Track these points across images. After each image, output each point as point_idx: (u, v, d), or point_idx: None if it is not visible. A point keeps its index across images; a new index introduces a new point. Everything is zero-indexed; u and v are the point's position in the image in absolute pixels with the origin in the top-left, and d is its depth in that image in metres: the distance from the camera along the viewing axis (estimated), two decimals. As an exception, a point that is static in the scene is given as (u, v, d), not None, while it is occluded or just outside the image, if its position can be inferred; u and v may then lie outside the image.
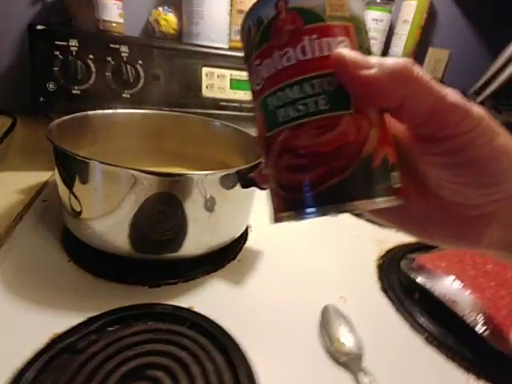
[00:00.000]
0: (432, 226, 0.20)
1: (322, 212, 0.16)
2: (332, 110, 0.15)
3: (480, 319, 0.34)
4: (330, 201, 0.16)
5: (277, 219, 0.18)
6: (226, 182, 0.38)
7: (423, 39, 0.74)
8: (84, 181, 0.36)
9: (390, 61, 0.15)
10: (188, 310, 0.34)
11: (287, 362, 0.32)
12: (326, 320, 0.35)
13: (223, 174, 0.37)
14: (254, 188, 0.41)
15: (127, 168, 0.33)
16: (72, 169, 0.37)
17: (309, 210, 0.16)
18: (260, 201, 0.43)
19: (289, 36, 0.15)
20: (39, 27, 0.50)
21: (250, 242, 0.49)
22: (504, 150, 0.16)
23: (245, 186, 0.39)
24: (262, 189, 0.38)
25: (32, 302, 0.33)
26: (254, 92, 0.18)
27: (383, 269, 0.47)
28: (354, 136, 0.15)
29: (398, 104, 0.15)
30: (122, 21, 0.56)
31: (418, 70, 0.15)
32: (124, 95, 0.56)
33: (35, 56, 0.51)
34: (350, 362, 0.31)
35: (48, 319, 0.32)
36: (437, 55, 0.84)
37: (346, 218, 0.61)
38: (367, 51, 0.16)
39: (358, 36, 0.16)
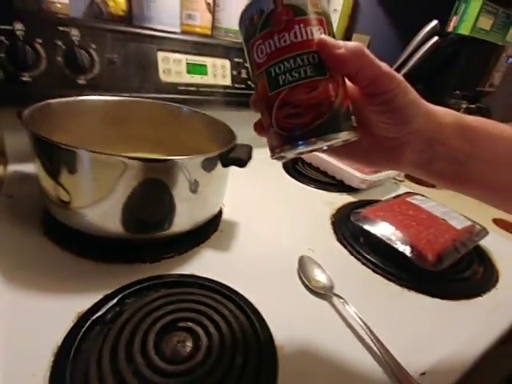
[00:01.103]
0: (372, 155, 0.30)
1: (309, 144, 0.24)
2: (315, 76, 0.23)
3: (408, 248, 0.47)
4: (315, 135, 0.24)
5: (276, 154, 0.26)
6: (208, 164, 0.43)
7: (349, 26, 0.85)
8: (71, 170, 0.38)
9: (350, 43, 0.23)
10: (192, 275, 0.40)
11: (279, 299, 0.40)
12: (303, 265, 0.45)
13: (206, 157, 0.42)
14: (229, 168, 0.46)
15: (116, 155, 0.36)
16: (57, 159, 0.38)
17: (300, 142, 0.24)
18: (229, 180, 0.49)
19: (284, 24, 0.22)
20: (-25, 8, 0.46)
21: (226, 215, 0.55)
22: (413, 101, 0.25)
23: (225, 165, 0.44)
24: (240, 166, 0.44)
25: (44, 292, 0.35)
26: (256, 64, 0.24)
27: (336, 224, 0.58)
28: (329, 92, 0.23)
29: (354, 72, 0.23)
30: (67, 1, 0.53)
31: (367, 50, 0.24)
32: (80, 81, 0.55)
33: (-26, 40, 0.47)
34: (325, 292, 0.41)
35: (67, 303, 0.34)
36: (359, 40, 0.97)
37: (301, 188, 0.71)
38: (333, 36, 0.24)
39: (328, 26, 0.23)
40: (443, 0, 0.92)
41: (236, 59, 0.70)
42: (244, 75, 0.72)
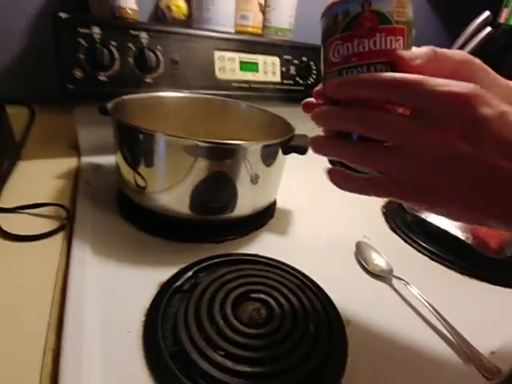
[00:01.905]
0: None
1: None
2: None
3: (469, 236, 0.46)
4: None
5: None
6: (269, 151, 0.46)
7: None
8: (149, 154, 0.42)
9: (423, 50, 0.23)
10: (256, 255, 0.43)
11: (340, 279, 0.41)
12: (361, 250, 0.46)
13: (268, 143, 0.44)
14: (287, 156, 0.48)
15: (190, 138, 0.39)
16: (137, 143, 0.42)
17: None
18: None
19: (367, 31, 0.22)
20: (63, 15, 0.52)
21: (280, 204, 0.57)
22: (494, 80, 0.25)
23: (286, 152, 0.47)
24: (301, 153, 0.46)
25: (127, 264, 0.39)
26: (330, 62, 0.24)
27: (388, 214, 0.58)
28: None
29: (433, 74, 0.22)
30: (137, 8, 0.59)
31: (438, 50, 0.23)
32: (147, 80, 0.60)
33: (60, 44, 0.53)
34: (385, 275, 0.42)
35: (148, 273, 0.38)
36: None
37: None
38: (410, 46, 0.23)
39: (409, 34, 0.23)
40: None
41: (285, 56, 0.72)
42: (293, 72, 0.74)
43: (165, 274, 0.38)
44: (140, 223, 0.46)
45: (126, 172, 0.45)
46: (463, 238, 0.46)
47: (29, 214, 0.44)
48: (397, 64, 0.22)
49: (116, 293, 0.35)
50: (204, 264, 0.40)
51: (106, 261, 0.39)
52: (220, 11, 0.63)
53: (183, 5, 0.62)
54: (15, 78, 0.61)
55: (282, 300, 0.34)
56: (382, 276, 0.42)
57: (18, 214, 0.44)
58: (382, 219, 0.57)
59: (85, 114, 0.61)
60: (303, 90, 0.76)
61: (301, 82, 0.76)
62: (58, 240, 0.41)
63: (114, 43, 0.56)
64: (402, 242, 0.52)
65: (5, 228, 0.40)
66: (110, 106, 0.46)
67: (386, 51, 0.22)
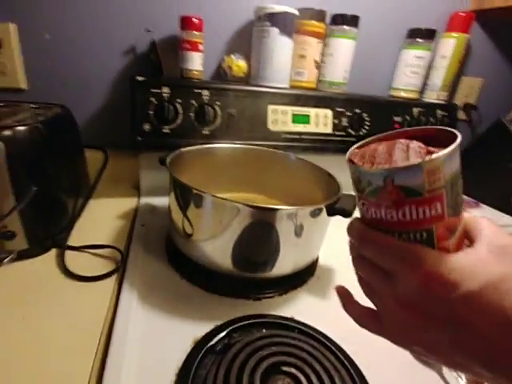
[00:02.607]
0: None
1: None
2: None
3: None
4: None
5: None
6: (315, 213, 0.45)
7: (459, 70, 0.81)
8: (197, 209, 0.45)
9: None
10: (292, 319, 0.42)
11: (379, 358, 0.38)
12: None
13: (315, 208, 0.44)
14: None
15: (233, 201, 0.41)
16: (187, 198, 0.45)
17: None
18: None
19: (393, 203, 0.20)
20: (139, 78, 0.60)
21: (321, 261, 0.56)
22: None
23: (330, 214, 0.46)
24: (346, 217, 0.45)
25: (167, 313, 0.41)
26: (362, 216, 0.23)
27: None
28: None
29: None
30: (202, 69, 0.65)
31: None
32: (204, 132, 0.65)
33: (135, 102, 0.60)
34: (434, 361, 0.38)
35: (185, 327, 0.39)
36: (470, 83, 0.91)
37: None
38: (457, 198, 0.20)
39: (451, 192, 0.19)
40: None
41: (337, 109, 0.73)
42: (345, 123, 0.74)
43: (201, 329, 0.39)
44: (184, 272, 0.48)
45: (177, 217, 0.48)
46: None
47: (90, 253, 0.50)
48: (435, 229, 0.20)
49: (155, 345, 0.37)
50: (239, 324, 0.40)
51: (150, 308, 0.42)
52: (276, 69, 0.67)
53: (243, 64, 0.68)
54: (96, 128, 0.71)
55: (314, 379, 0.33)
56: (431, 363, 0.38)
57: (81, 253, 0.50)
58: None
59: (148, 159, 0.67)
60: (356, 141, 0.76)
61: (353, 133, 0.75)
62: (112, 282, 0.45)
63: (179, 100, 0.62)
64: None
65: (68, 265, 0.45)
66: (168, 159, 0.50)
67: (418, 222, 0.19)
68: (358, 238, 0.23)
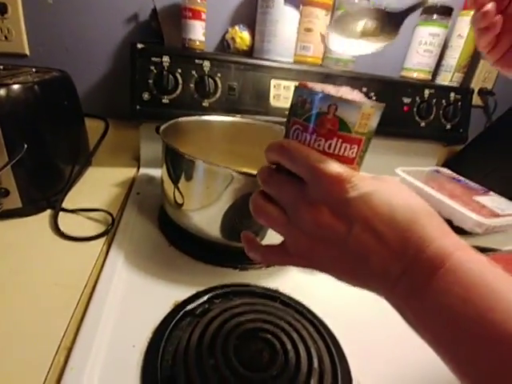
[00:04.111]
0: None
1: None
2: None
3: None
4: None
5: None
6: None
7: (475, 52, 0.77)
8: (188, 176, 0.44)
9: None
10: (276, 291, 0.41)
11: (362, 333, 0.37)
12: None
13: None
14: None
15: (226, 168, 0.41)
16: (179, 166, 0.45)
17: None
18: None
19: (326, 132, 0.22)
20: (139, 46, 0.59)
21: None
22: None
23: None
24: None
25: (151, 276, 0.41)
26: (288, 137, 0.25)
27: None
28: None
29: None
30: (204, 39, 0.64)
31: None
32: (204, 104, 0.64)
33: (135, 70, 0.60)
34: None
35: (167, 290, 0.40)
36: (487, 67, 0.86)
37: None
38: (364, 153, 0.24)
39: (365, 145, 0.23)
40: None
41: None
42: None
43: (183, 293, 0.39)
44: (173, 238, 0.49)
45: (168, 187, 0.48)
46: None
47: (83, 216, 0.50)
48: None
49: (135, 305, 0.37)
50: (221, 291, 0.40)
51: (135, 270, 0.42)
52: (281, 42, 0.64)
53: (247, 36, 0.66)
54: (97, 96, 0.71)
55: (289, 346, 0.32)
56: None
57: (75, 215, 0.50)
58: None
59: (148, 130, 0.67)
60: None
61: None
62: (100, 244, 0.45)
63: (179, 70, 0.61)
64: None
65: (61, 226, 0.46)
66: (162, 128, 0.50)
67: (337, 156, 0.23)
68: (280, 146, 0.24)
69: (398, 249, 0.20)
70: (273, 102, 0.67)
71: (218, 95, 0.64)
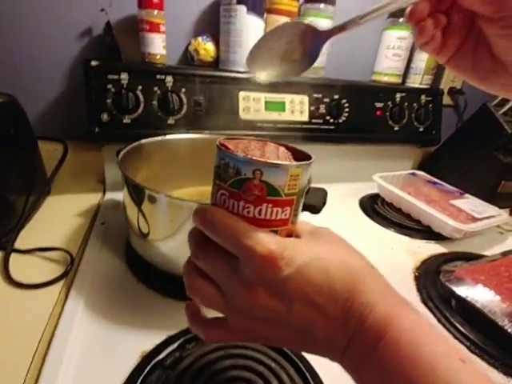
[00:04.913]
0: (494, 78, 0.28)
1: None
2: None
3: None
4: None
5: None
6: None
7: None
8: (151, 210, 0.41)
9: None
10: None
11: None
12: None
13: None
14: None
15: (190, 201, 0.38)
16: (141, 198, 0.41)
17: None
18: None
19: (254, 198, 0.21)
20: (94, 63, 0.54)
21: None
22: None
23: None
24: (314, 213, 0.41)
25: (115, 324, 0.37)
26: (216, 205, 0.22)
27: (420, 280, 0.50)
28: None
29: None
30: (165, 52, 0.60)
31: None
32: (169, 121, 0.60)
33: (90, 90, 0.55)
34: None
35: (134, 338, 0.36)
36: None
37: (379, 231, 0.64)
38: (297, 211, 0.23)
39: (298, 203, 0.22)
40: None
41: (315, 95, 0.69)
42: (322, 110, 0.70)
43: (152, 340, 0.36)
44: (142, 274, 0.45)
45: (131, 214, 0.44)
46: (509, 330, 0.37)
47: (39, 257, 0.45)
48: (279, 232, 0.22)
49: (96, 361, 0.34)
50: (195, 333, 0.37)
51: (97, 319, 0.38)
52: (246, 53, 0.61)
53: (211, 47, 0.63)
54: (53, 117, 0.65)
55: (268, 397, 0.30)
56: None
57: (29, 256, 0.45)
58: (413, 287, 0.49)
59: (112, 152, 0.62)
60: (334, 130, 0.72)
61: (331, 120, 0.71)
62: (58, 289, 0.41)
63: (140, 88, 0.57)
64: (435, 321, 0.43)
65: (12, 271, 0.41)
66: (121, 154, 0.46)
67: (269, 221, 0.21)
68: (203, 219, 0.22)
69: (340, 320, 0.20)
70: (242, 115, 0.64)
71: (183, 111, 0.60)
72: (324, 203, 0.43)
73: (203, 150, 0.59)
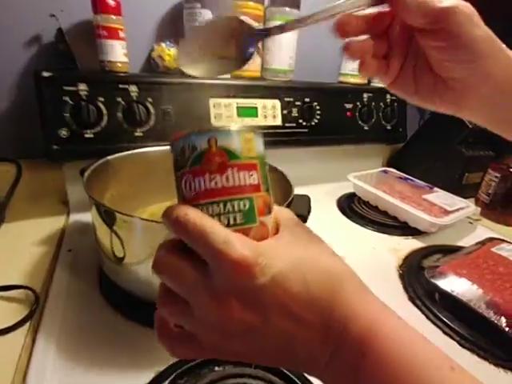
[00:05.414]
0: (435, 96, 0.29)
1: None
2: (245, 224, 0.21)
3: (503, 320, 0.39)
4: None
5: None
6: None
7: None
8: (126, 230, 0.37)
9: None
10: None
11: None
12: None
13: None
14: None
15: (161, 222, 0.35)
16: (113, 220, 0.37)
17: None
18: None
19: (216, 167, 0.20)
20: (46, 74, 0.49)
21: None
22: (483, 39, 0.24)
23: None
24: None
25: (94, 366, 0.34)
26: (183, 198, 0.22)
27: (405, 278, 0.51)
28: (259, 238, 0.21)
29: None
30: (127, 60, 0.56)
31: None
32: (136, 134, 0.56)
33: (44, 104, 0.50)
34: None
35: (118, 381, 0.32)
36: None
37: (358, 231, 0.65)
38: (266, 180, 0.22)
39: (262, 170, 0.22)
40: None
41: (286, 99, 0.68)
42: (295, 114, 0.69)
43: (139, 380, 0.32)
44: (119, 305, 0.41)
45: (104, 240, 0.40)
46: (496, 321, 0.39)
47: (-4, 296, 0.40)
48: (255, 200, 0.21)
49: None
50: (185, 366, 0.34)
51: (73, 363, 0.34)
52: (214, 58, 0.59)
53: (176, 53, 0.59)
54: (2, 136, 0.59)
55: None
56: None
57: (-15, 297, 0.40)
58: (400, 285, 0.50)
59: (74, 170, 0.57)
60: (307, 132, 0.71)
61: (304, 123, 0.71)
62: (23, 334, 0.36)
63: (101, 99, 0.53)
64: (424, 318, 0.44)
65: (-35, 319, 0.36)
66: (87, 174, 0.42)
67: (240, 188, 0.21)
68: (175, 221, 0.20)
69: (321, 332, 0.19)
70: (214, 123, 0.62)
71: (151, 122, 0.57)
72: (309, 211, 0.42)
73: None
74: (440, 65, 0.27)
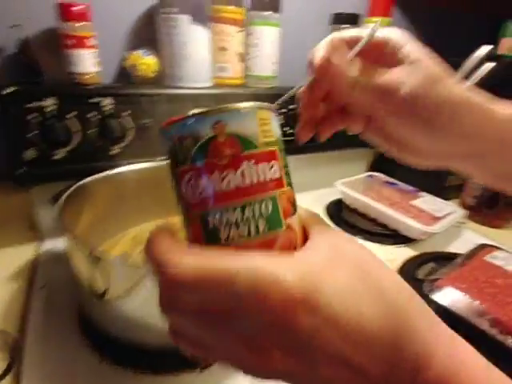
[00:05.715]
0: (428, 157, 0.29)
1: None
2: (270, 231, 0.16)
3: (509, 339, 0.38)
4: None
5: None
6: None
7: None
8: (104, 272, 0.33)
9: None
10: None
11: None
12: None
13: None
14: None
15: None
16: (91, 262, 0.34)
17: None
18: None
19: (228, 160, 0.16)
20: (8, 90, 0.44)
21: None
22: (446, 99, 0.25)
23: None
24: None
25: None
26: (184, 201, 0.17)
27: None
28: (288, 247, 0.17)
29: None
30: (98, 69, 0.51)
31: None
32: (112, 151, 0.52)
33: (7, 121, 0.45)
34: None
35: None
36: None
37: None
38: (287, 167, 0.18)
39: (282, 158, 0.18)
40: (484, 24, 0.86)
41: (271, 107, 0.66)
42: (281, 121, 0.67)
43: None
44: (103, 348, 0.37)
45: (81, 272, 0.36)
46: (503, 340, 0.38)
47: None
48: (278, 198, 0.17)
49: None
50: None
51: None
52: (194, 67, 0.55)
53: (153, 61, 0.55)
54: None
55: None
56: None
57: None
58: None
59: (43, 193, 0.52)
60: (293, 140, 0.69)
61: (290, 131, 0.68)
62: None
63: (72, 114, 0.48)
64: (425, 334, 0.43)
65: None
66: (60, 202, 0.37)
67: (261, 185, 0.16)
68: (170, 278, 0.16)
69: (381, 380, 0.15)
70: (198, 136, 0.58)
71: (128, 138, 0.52)
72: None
73: (156, 179, 0.51)
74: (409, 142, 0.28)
